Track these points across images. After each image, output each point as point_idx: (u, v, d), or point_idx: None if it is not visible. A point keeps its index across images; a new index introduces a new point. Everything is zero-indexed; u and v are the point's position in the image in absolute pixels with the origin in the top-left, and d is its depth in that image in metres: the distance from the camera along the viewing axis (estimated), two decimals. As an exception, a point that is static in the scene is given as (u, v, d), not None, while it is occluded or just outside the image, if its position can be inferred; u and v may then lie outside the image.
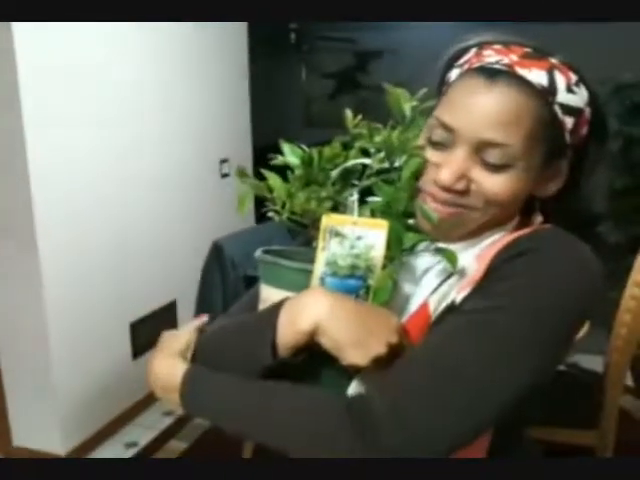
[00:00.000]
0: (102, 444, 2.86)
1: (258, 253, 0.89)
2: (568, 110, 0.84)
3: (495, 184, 0.83)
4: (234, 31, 3.60)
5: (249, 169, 3.72)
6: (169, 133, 3.16)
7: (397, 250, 0.85)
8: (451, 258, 0.84)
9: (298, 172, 0.86)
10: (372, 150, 0.88)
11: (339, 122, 0.92)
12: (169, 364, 0.88)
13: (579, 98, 0.85)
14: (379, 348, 0.76)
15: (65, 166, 2.57)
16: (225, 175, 3.60)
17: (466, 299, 0.81)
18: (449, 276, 0.86)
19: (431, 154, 0.86)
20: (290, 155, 0.88)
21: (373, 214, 0.86)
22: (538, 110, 0.82)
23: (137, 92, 2.93)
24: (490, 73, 0.83)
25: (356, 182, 0.88)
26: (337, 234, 0.83)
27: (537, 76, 0.82)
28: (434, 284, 0.87)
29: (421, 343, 0.80)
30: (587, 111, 0.87)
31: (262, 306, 0.88)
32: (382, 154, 0.88)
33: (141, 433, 2.95)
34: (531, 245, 0.80)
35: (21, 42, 2.31)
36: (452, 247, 0.87)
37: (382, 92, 0.89)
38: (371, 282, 0.82)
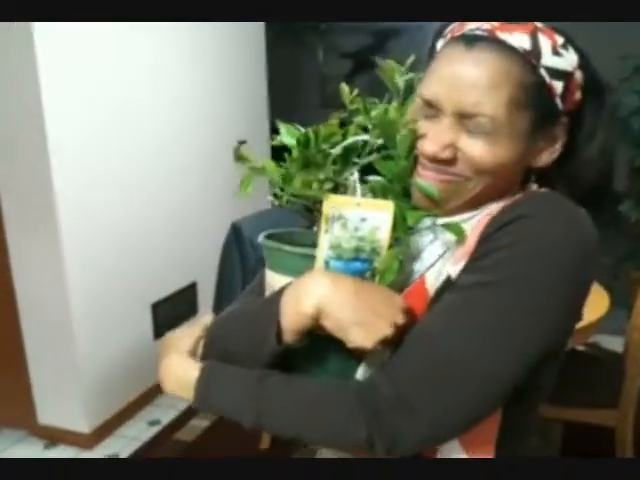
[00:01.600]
0: (125, 422, 2.91)
1: (261, 238, 0.87)
2: (555, 73, 0.81)
3: (480, 150, 0.80)
4: (251, 11, 3.58)
5: (267, 150, 3.72)
6: (187, 116, 3.17)
7: (402, 230, 0.83)
8: (457, 230, 0.83)
9: (295, 153, 0.83)
10: (370, 126, 0.86)
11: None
12: (181, 364, 0.88)
13: (566, 61, 0.82)
14: (385, 329, 0.75)
15: (86, 150, 2.58)
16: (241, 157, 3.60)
17: (460, 273, 0.80)
18: (447, 250, 0.85)
19: (420, 125, 0.84)
20: (286, 136, 0.85)
21: (374, 193, 0.84)
22: (521, 74, 0.79)
23: (154, 76, 2.94)
24: (469, 39, 0.80)
25: (357, 160, 0.86)
26: (340, 217, 0.80)
27: (519, 39, 0.79)
28: (432, 259, 0.86)
29: (420, 323, 0.79)
30: (578, 74, 0.83)
31: (268, 292, 0.87)
32: (379, 130, 0.86)
33: (163, 411, 2.99)
34: (521, 211, 0.78)
35: (41, 42, 2.32)
36: (454, 218, 0.86)
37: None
38: (377, 264, 0.80)
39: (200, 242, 3.27)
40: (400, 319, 0.76)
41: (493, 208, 0.84)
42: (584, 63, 0.84)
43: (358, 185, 0.83)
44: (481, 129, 0.79)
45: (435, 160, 0.82)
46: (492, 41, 0.79)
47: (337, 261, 0.80)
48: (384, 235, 0.80)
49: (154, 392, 3.04)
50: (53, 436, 2.77)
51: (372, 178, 0.86)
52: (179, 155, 3.13)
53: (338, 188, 0.84)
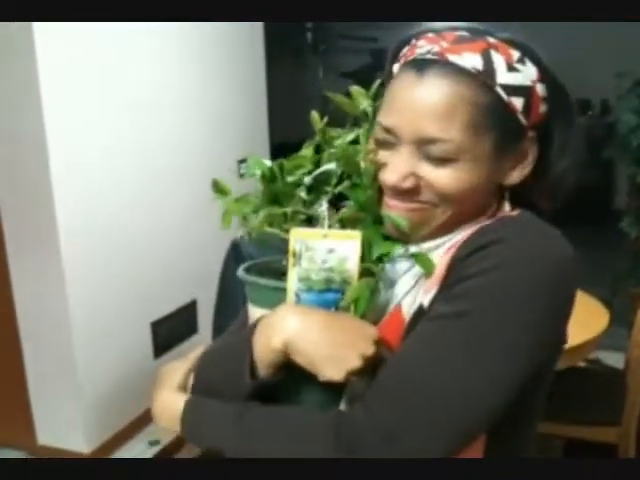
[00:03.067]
0: (125, 443, 2.88)
1: (240, 272, 0.87)
2: (514, 90, 0.78)
3: (443, 178, 0.79)
4: (250, 31, 3.61)
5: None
6: (187, 134, 3.18)
7: (371, 259, 0.82)
8: (425, 263, 0.81)
9: (261, 189, 0.83)
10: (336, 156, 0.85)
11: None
12: (170, 399, 0.90)
13: (524, 76, 0.79)
14: (354, 362, 0.74)
15: (85, 167, 2.59)
16: (243, 175, 3.61)
17: (433, 301, 0.79)
18: (420, 278, 0.84)
19: (380, 155, 0.83)
20: (253, 168, 0.85)
21: (344, 223, 0.83)
22: (476, 96, 0.77)
23: (154, 93, 2.95)
24: (420, 66, 0.79)
25: (328, 189, 0.84)
26: (307, 249, 0.79)
27: (470, 60, 0.77)
28: (407, 287, 0.85)
29: (396, 355, 0.78)
30: (539, 87, 0.81)
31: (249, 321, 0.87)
32: (342, 160, 0.84)
33: (164, 431, 2.97)
34: (492, 237, 0.77)
35: (41, 43, 2.34)
36: (424, 247, 0.84)
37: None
38: (348, 294, 0.79)
39: (200, 260, 3.27)
40: (370, 350, 0.75)
41: (466, 233, 0.83)
42: (545, 75, 0.82)
43: (326, 215, 0.82)
44: (442, 156, 0.78)
45: (397, 190, 0.81)
46: (443, 65, 0.78)
47: (308, 293, 0.79)
48: (353, 265, 0.79)
49: (154, 411, 3.02)
50: (52, 456, 2.74)
51: (348, 203, 0.85)
52: (179, 174, 3.14)
53: (311, 220, 0.83)
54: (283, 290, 0.80)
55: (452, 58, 0.78)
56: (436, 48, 0.79)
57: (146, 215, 2.94)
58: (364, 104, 0.86)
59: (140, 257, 2.93)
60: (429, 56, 0.79)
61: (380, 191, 0.85)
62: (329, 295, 0.79)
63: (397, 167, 0.81)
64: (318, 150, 0.87)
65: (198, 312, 3.34)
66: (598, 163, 4.94)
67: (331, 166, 0.84)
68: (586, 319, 2.01)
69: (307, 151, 0.86)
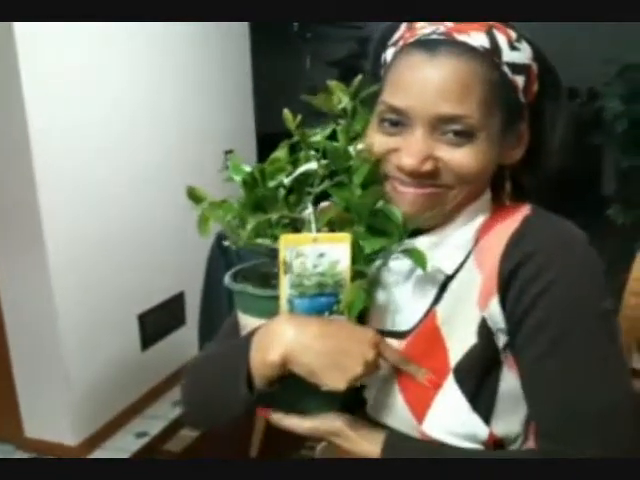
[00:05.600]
0: (113, 435, 2.87)
1: (227, 280, 0.85)
2: (516, 68, 0.79)
3: (462, 159, 0.78)
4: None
5: (253, 160, 3.71)
6: (172, 125, 3.16)
7: (363, 260, 0.80)
8: (419, 259, 0.79)
9: (244, 196, 0.81)
10: (317, 155, 0.83)
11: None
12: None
13: (523, 54, 0.80)
14: (357, 368, 0.74)
15: (70, 161, 2.56)
16: (230, 178, 3.60)
17: (511, 332, 0.78)
18: (446, 281, 0.82)
19: (388, 140, 0.81)
20: (234, 173, 0.83)
21: (332, 225, 0.81)
22: (487, 74, 0.77)
23: (138, 86, 2.92)
24: (429, 45, 0.78)
25: (310, 190, 0.82)
26: (298, 255, 0.77)
27: (477, 39, 0.77)
28: (432, 291, 0.83)
29: (539, 407, 0.78)
30: (534, 66, 0.82)
31: (243, 333, 0.85)
32: (329, 160, 0.82)
33: (151, 423, 2.96)
34: (532, 247, 0.78)
35: (23, 47, 2.31)
36: (430, 239, 0.83)
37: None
38: (342, 297, 0.78)
39: (188, 252, 3.25)
40: (370, 355, 0.75)
41: (479, 223, 0.84)
42: (537, 53, 0.83)
43: (313, 219, 0.80)
44: (459, 135, 0.77)
45: (415, 174, 0.79)
46: (452, 44, 0.77)
47: (301, 299, 0.77)
48: (344, 267, 0.77)
49: (142, 404, 3.01)
50: (41, 449, 2.73)
51: (331, 202, 0.83)
52: (165, 166, 3.11)
53: (296, 223, 0.81)
54: (274, 298, 0.79)
55: (461, 37, 0.77)
56: (442, 28, 0.78)
57: (133, 207, 2.92)
58: (344, 101, 0.84)
59: (127, 249, 2.91)
60: (435, 36, 0.78)
61: (381, 181, 0.83)
62: (322, 299, 0.78)
63: (414, 150, 0.78)
64: (294, 149, 0.84)
65: (186, 304, 3.33)
66: (585, 150, 4.98)
67: (312, 166, 0.82)
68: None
69: (282, 152, 0.83)
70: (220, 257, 2.40)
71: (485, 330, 0.79)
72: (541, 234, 0.79)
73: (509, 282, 0.77)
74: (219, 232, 2.43)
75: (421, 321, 0.83)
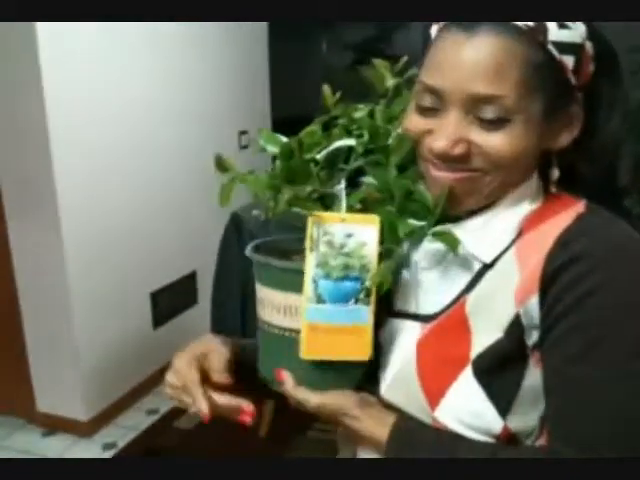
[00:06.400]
0: (124, 411, 2.91)
1: (248, 251, 0.84)
2: (565, 48, 0.74)
3: (497, 143, 0.74)
4: (254, 1, 3.57)
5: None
6: (189, 105, 3.16)
7: (393, 241, 0.78)
8: (451, 242, 0.78)
9: (279, 166, 0.79)
10: (355, 131, 0.82)
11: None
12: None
13: (575, 32, 0.75)
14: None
15: (85, 139, 2.58)
16: (244, 147, 3.60)
17: (545, 328, 0.75)
18: (482, 270, 0.80)
19: (423, 122, 0.78)
20: (269, 144, 0.81)
21: (364, 204, 0.79)
22: (528, 53, 0.73)
23: (154, 67, 2.93)
24: (468, 24, 0.74)
25: (343, 166, 0.81)
26: (325, 233, 0.76)
27: None
28: (464, 278, 0.81)
29: (561, 408, 0.75)
30: (588, 45, 0.77)
31: (260, 307, 0.85)
32: (366, 136, 0.80)
33: (162, 401, 2.99)
34: (582, 247, 0.73)
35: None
36: (468, 224, 0.81)
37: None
38: (368, 283, 0.77)
39: (200, 231, 3.27)
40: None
41: (524, 213, 0.80)
42: (593, 32, 0.77)
43: (344, 197, 0.78)
44: (494, 116, 0.73)
45: (446, 158, 0.77)
46: (493, 22, 0.73)
47: (326, 280, 0.77)
48: (372, 251, 0.76)
49: (153, 381, 3.04)
50: (51, 424, 2.77)
51: (365, 181, 0.82)
52: (180, 144, 3.12)
53: (326, 199, 0.80)
54: (295, 272, 0.78)
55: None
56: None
57: (146, 187, 2.93)
58: (390, 80, 0.82)
59: (140, 228, 2.92)
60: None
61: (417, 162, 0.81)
62: (346, 284, 0.77)
63: (446, 132, 0.75)
64: (327, 127, 0.83)
65: (198, 283, 3.34)
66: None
67: (349, 142, 0.80)
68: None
69: (316, 127, 0.82)
70: (234, 237, 2.41)
71: (516, 326, 0.76)
72: (594, 235, 0.75)
73: (553, 281, 0.74)
74: (233, 212, 2.44)
75: (449, 307, 0.81)
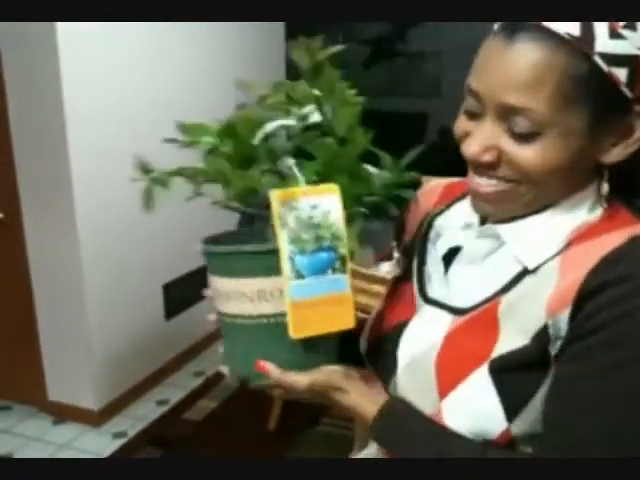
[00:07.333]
0: (134, 401, 2.93)
1: (207, 247, 0.84)
2: (616, 60, 0.70)
3: (528, 156, 0.73)
4: (271, -5, 3.57)
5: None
6: (203, 98, 3.16)
7: (352, 206, 0.79)
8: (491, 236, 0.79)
9: (225, 150, 0.78)
10: (291, 109, 0.80)
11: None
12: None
13: (630, 43, 0.70)
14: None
15: (101, 123, 2.60)
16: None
17: (568, 339, 0.73)
18: (522, 273, 0.79)
19: (466, 124, 0.78)
20: (200, 136, 0.81)
21: (320, 174, 0.79)
22: (568, 65, 0.69)
23: (166, 40, 2.94)
24: (511, 29, 0.72)
25: (283, 144, 0.80)
26: (292, 208, 0.76)
27: (567, 26, 0.69)
28: (502, 279, 0.80)
29: (558, 410, 0.74)
30: None
31: (223, 302, 0.85)
32: (305, 109, 0.79)
33: (172, 392, 3.01)
34: (629, 271, 0.71)
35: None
36: (517, 224, 0.80)
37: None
38: (342, 251, 0.77)
39: (214, 223, 3.26)
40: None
41: (576, 227, 0.78)
42: None
43: (297, 172, 0.78)
44: (525, 129, 0.72)
45: (477, 164, 0.77)
46: (536, 30, 0.70)
47: (301, 255, 0.77)
48: (338, 218, 0.77)
49: (163, 372, 3.06)
50: (62, 412, 2.80)
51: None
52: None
53: (279, 177, 0.79)
54: (269, 253, 0.78)
55: (547, 23, 0.70)
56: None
57: (161, 177, 2.94)
58: (308, 58, 0.83)
59: (153, 219, 2.93)
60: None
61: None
62: (322, 255, 0.77)
63: (479, 138, 0.75)
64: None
65: (210, 276, 3.35)
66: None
67: (279, 122, 0.80)
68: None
69: (249, 112, 0.83)
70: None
71: (543, 335, 0.75)
72: None
73: (591, 296, 0.72)
74: (243, 210, 2.44)
75: (481, 304, 0.81)
